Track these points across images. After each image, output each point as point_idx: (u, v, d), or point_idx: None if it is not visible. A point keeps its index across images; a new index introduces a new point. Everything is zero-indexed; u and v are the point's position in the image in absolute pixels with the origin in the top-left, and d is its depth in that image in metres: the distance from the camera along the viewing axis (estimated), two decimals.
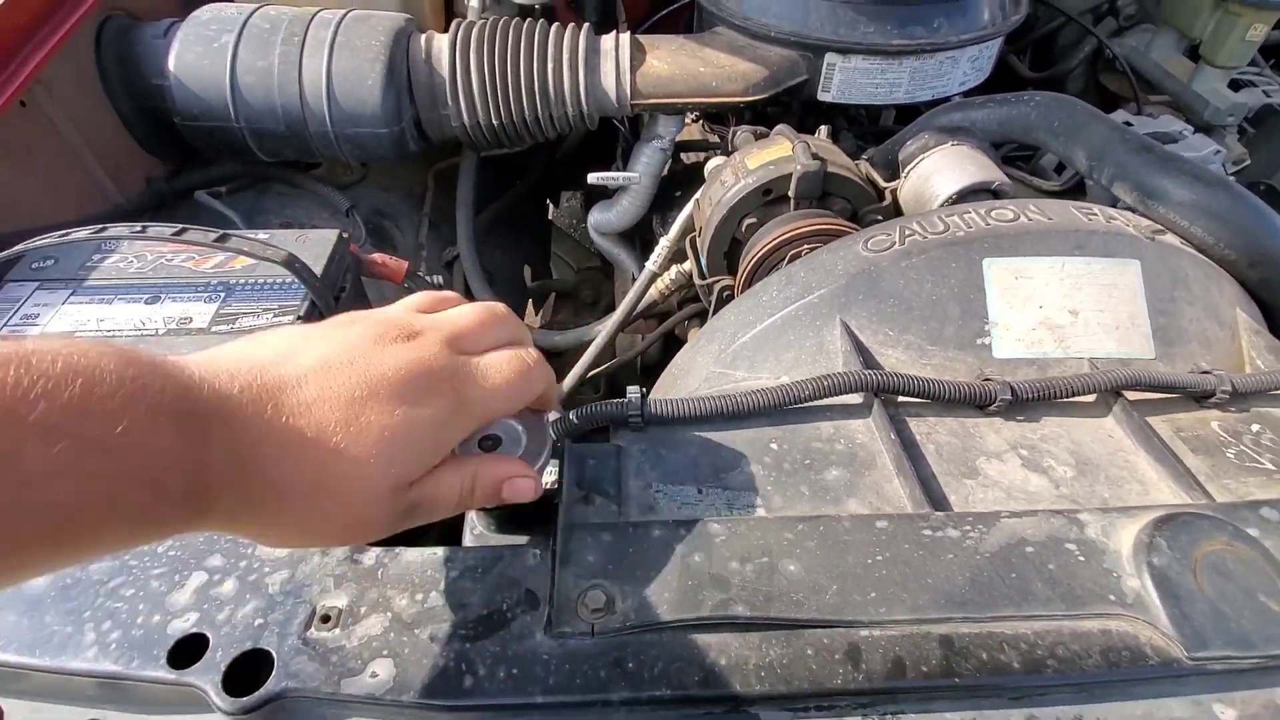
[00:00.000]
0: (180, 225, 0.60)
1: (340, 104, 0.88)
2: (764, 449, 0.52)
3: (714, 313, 0.83)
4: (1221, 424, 0.56)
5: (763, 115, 1.06)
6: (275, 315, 0.61)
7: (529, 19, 0.95)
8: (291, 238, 0.66)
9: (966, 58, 0.94)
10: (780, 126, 0.89)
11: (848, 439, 0.53)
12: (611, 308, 1.20)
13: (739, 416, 0.53)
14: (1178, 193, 0.68)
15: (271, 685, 0.37)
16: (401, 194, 1.15)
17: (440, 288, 1.00)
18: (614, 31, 0.95)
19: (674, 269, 0.96)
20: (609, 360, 1.04)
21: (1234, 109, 1.09)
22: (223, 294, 0.63)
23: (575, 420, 0.51)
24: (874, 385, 0.53)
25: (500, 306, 0.42)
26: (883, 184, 0.85)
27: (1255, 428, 0.55)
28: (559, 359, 1.08)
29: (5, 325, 0.59)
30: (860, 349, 0.59)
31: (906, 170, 0.83)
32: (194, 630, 0.39)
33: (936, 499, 0.49)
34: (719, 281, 0.85)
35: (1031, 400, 0.54)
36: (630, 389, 0.52)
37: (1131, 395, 0.56)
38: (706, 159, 0.99)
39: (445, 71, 0.91)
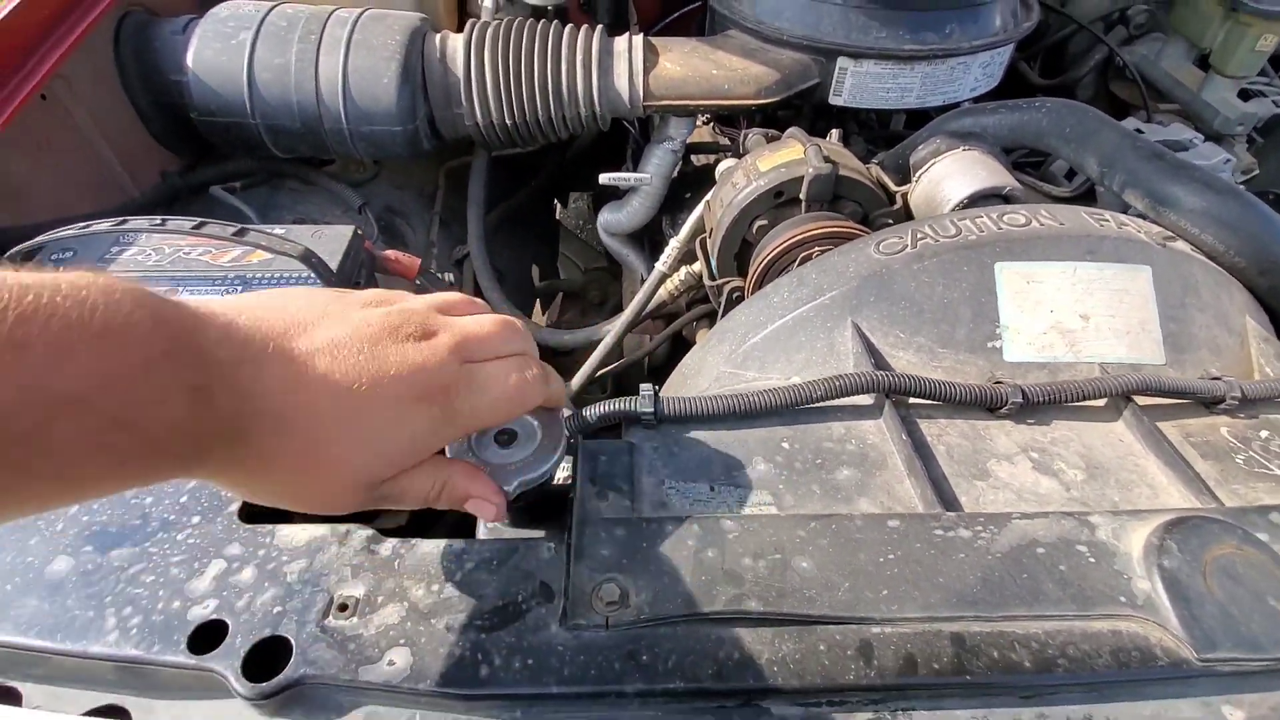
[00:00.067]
0: (199, 219, 0.60)
1: (356, 101, 0.88)
2: (775, 448, 0.52)
3: (723, 314, 0.83)
4: (1231, 430, 0.56)
5: (773, 118, 1.06)
6: None
7: (543, 20, 0.96)
8: (308, 233, 0.67)
9: (978, 64, 0.94)
10: (792, 129, 0.89)
11: (859, 439, 0.53)
12: (618, 308, 1.21)
13: (751, 416, 0.53)
14: (1189, 200, 0.69)
15: (290, 672, 0.38)
16: (413, 192, 1.16)
17: (452, 285, 1.01)
18: (627, 33, 0.96)
19: (683, 270, 0.96)
20: (617, 360, 1.04)
21: (1243, 118, 1.10)
22: (239, 288, 0.63)
23: (589, 417, 0.51)
24: (886, 386, 0.54)
25: (516, 321, 0.43)
26: (894, 188, 0.85)
27: (1264, 434, 0.56)
28: (567, 358, 1.08)
29: None
30: (871, 351, 0.60)
31: (918, 174, 0.84)
32: (213, 617, 0.40)
33: (948, 500, 0.49)
34: (729, 283, 0.85)
35: (1042, 404, 0.54)
36: (643, 386, 0.53)
37: (1142, 400, 0.56)
38: (717, 161, 0.99)
39: (460, 71, 0.92)
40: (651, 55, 0.95)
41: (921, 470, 0.50)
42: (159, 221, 0.61)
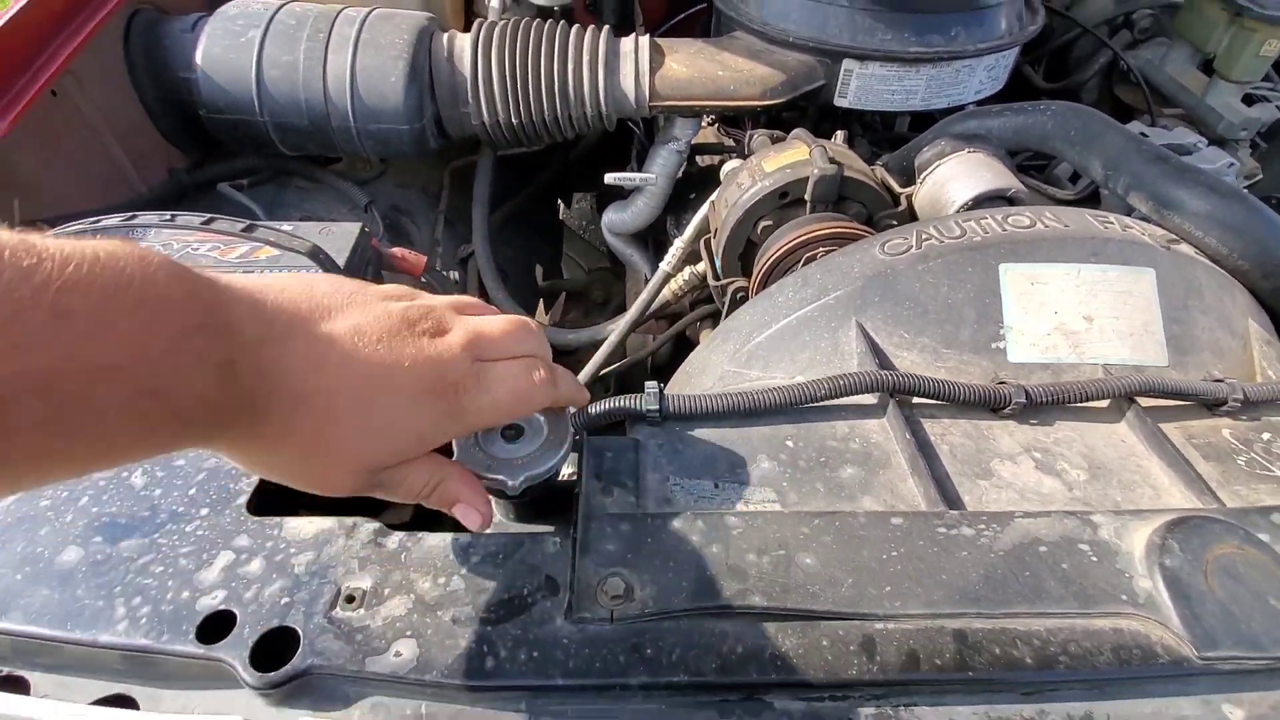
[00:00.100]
0: (208, 215, 0.61)
1: (363, 100, 0.89)
2: (780, 446, 0.53)
3: (727, 314, 0.84)
4: (1233, 432, 0.56)
5: (778, 120, 1.06)
6: None
7: (549, 20, 0.97)
8: (315, 230, 0.67)
9: (983, 67, 0.95)
10: (797, 131, 0.90)
11: (863, 438, 0.54)
12: (621, 308, 1.21)
13: (755, 414, 0.54)
14: (1193, 203, 0.69)
15: (298, 662, 0.38)
16: (418, 191, 1.16)
17: (457, 283, 1.01)
18: (633, 34, 0.96)
19: (687, 270, 0.97)
20: (620, 360, 1.05)
21: (1247, 123, 1.10)
22: None
23: (594, 413, 0.52)
24: (890, 386, 0.54)
25: (530, 322, 0.44)
26: (898, 189, 0.85)
27: (1266, 436, 0.56)
28: (570, 357, 1.08)
29: None
30: (875, 350, 0.60)
31: (922, 176, 0.84)
32: (222, 607, 0.40)
33: (951, 498, 0.49)
34: (733, 283, 0.85)
35: (1045, 404, 0.55)
36: (649, 384, 0.53)
37: (1145, 401, 0.57)
38: (722, 162, 1.00)
39: (467, 70, 0.92)
40: (657, 56, 0.95)
41: (925, 469, 0.50)
42: (168, 217, 0.61)
